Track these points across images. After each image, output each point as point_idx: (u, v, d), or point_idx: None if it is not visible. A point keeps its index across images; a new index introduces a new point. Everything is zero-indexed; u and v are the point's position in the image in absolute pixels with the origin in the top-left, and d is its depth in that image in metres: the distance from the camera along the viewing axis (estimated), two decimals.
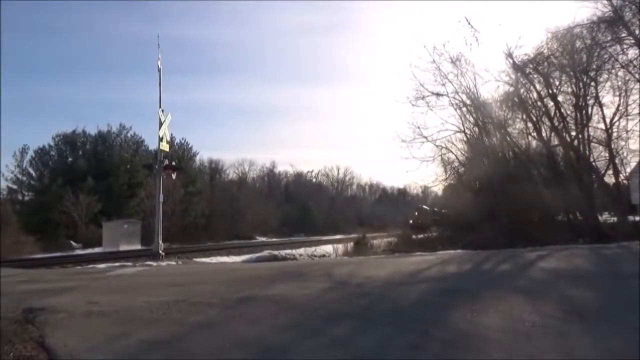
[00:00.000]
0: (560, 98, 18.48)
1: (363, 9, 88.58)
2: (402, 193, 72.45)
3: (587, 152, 17.87)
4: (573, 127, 18.25)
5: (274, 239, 36.23)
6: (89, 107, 72.25)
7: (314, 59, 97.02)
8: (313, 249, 18.75)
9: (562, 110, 18.34)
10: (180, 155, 42.19)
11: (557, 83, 18.47)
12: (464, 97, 19.47)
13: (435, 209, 53.50)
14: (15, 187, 39.01)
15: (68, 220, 32.32)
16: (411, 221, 43.97)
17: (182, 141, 46.09)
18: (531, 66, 18.33)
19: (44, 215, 33.07)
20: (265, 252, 15.90)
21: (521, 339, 3.94)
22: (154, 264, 12.64)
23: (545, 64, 18.05)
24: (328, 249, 18.37)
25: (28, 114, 70.98)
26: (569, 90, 18.33)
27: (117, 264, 13.06)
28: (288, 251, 16.33)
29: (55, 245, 27.19)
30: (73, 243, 28.67)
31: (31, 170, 39.11)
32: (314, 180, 71.33)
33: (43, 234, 29.22)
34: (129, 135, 43.32)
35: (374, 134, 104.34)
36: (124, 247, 23.90)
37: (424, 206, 52.21)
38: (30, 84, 71.47)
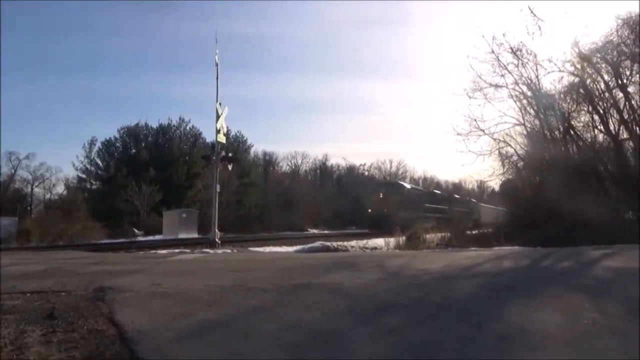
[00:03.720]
0: (630, 89, 17.37)
1: (418, 1, 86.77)
2: (457, 187, 70.71)
3: None
4: None
5: (325, 231, 36.46)
6: (150, 102, 75.89)
7: (368, 52, 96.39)
8: (364, 241, 18.72)
9: (633, 101, 17.24)
10: (236, 147, 43.36)
11: (627, 73, 17.37)
12: (525, 89, 18.73)
13: (437, 192, 41.78)
14: (84, 176, 41.59)
15: (131, 209, 34.08)
16: (369, 210, 32.97)
17: (238, 134, 47.35)
18: (599, 55, 17.32)
19: (110, 203, 35.04)
20: (318, 243, 16.05)
21: (581, 336, 3.80)
22: (211, 251, 13.09)
23: (615, 52, 17.01)
24: (380, 242, 18.29)
25: (96, 108, 75.53)
26: None
27: (176, 250, 13.65)
28: (340, 243, 16.42)
29: (119, 232, 28.77)
30: (135, 230, 30.20)
31: (99, 161, 41.57)
32: (366, 173, 71.08)
33: (109, 220, 30.94)
34: (187, 128, 45.05)
35: (429, 127, 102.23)
36: (182, 235, 24.92)
37: (403, 183, 39.89)
38: (98, 81, 75.97)
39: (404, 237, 17.70)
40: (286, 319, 4.16)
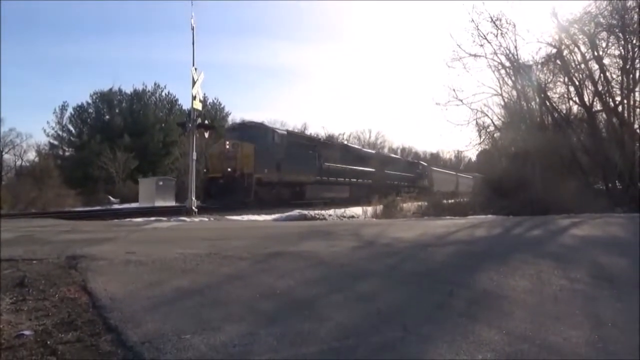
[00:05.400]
0: (606, 61, 17.53)
1: None
2: (435, 157, 71.41)
3: (632, 119, 17.07)
4: (618, 92, 17.38)
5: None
6: (125, 66, 73.68)
7: (347, 19, 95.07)
8: (342, 210, 18.85)
9: (608, 73, 17.44)
10: (213, 114, 42.64)
11: (603, 45, 17.50)
12: (503, 59, 18.71)
13: (354, 146, 30.14)
14: (56, 142, 40.48)
15: (106, 176, 33.51)
16: (206, 169, 21.95)
17: (215, 101, 46.52)
18: (576, 26, 17.38)
19: (83, 170, 34.36)
20: (295, 212, 16.08)
21: (547, 301, 3.93)
22: (188, 219, 13.00)
23: (592, 24, 17.08)
24: (357, 210, 18.44)
25: (67, 72, 72.96)
26: (616, 53, 17.37)
27: (152, 218, 13.52)
28: (317, 211, 16.49)
29: (94, 199, 28.33)
30: (111, 198, 29.76)
31: (71, 127, 40.44)
32: (346, 142, 70.96)
33: (83, 188, 30.43)
34: (163, 94, 44.01)
35: (408, 97, 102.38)
36: (158, 203, 24.65)
37: (273, 126, 25.33)
38: (69, 43, 73.11)
39: (381, 206, 17.87)
40: (261, 286, 4.19)
